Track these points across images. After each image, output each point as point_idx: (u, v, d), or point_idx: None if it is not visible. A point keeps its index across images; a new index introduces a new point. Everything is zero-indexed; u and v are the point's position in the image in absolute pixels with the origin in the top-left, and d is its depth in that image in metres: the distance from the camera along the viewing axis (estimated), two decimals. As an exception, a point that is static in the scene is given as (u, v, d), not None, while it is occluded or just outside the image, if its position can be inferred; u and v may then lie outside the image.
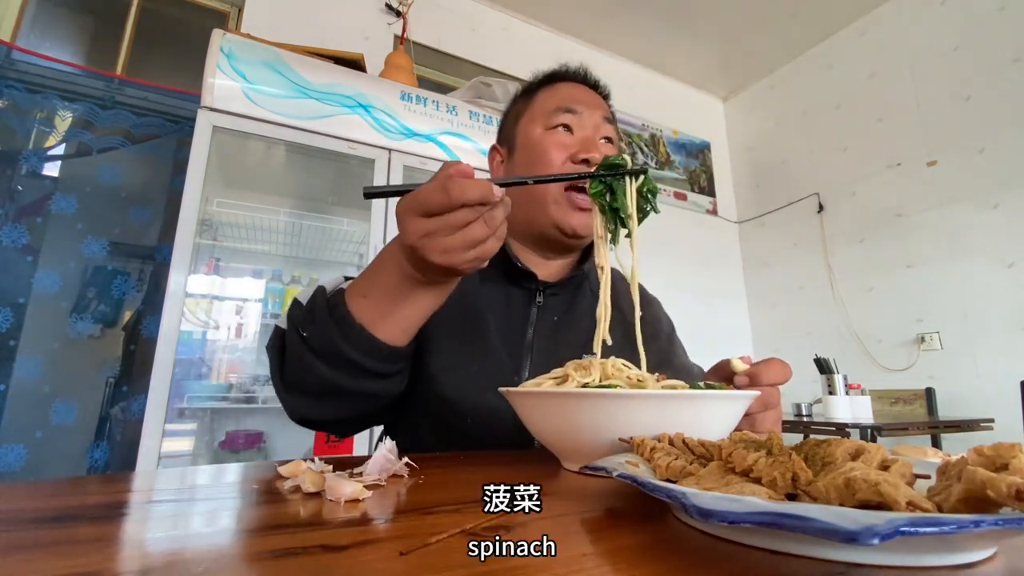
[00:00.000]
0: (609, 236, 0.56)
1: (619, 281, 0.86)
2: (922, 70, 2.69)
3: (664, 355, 0.80)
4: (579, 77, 0.79)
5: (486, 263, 0.47)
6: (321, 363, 0.49)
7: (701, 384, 0.46)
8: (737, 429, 0.41)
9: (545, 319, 0.72)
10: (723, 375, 0.54)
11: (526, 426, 0.46)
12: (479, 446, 0.61)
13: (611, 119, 0.76)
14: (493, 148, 0.81)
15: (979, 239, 2.39)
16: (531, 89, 0.79)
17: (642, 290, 0.87)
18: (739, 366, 0.50)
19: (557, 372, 0.47)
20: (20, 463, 1.52)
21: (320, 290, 0.52)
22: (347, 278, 0.61)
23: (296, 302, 0.54)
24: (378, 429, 0.79)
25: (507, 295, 0.73)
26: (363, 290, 0.50)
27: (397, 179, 1.85)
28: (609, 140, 0.75)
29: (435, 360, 0.65)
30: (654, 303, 0.89)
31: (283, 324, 0.54)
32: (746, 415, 0.49)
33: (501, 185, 0.44)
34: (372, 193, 0.46)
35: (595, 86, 0.80)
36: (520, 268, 0.72)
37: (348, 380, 0.50)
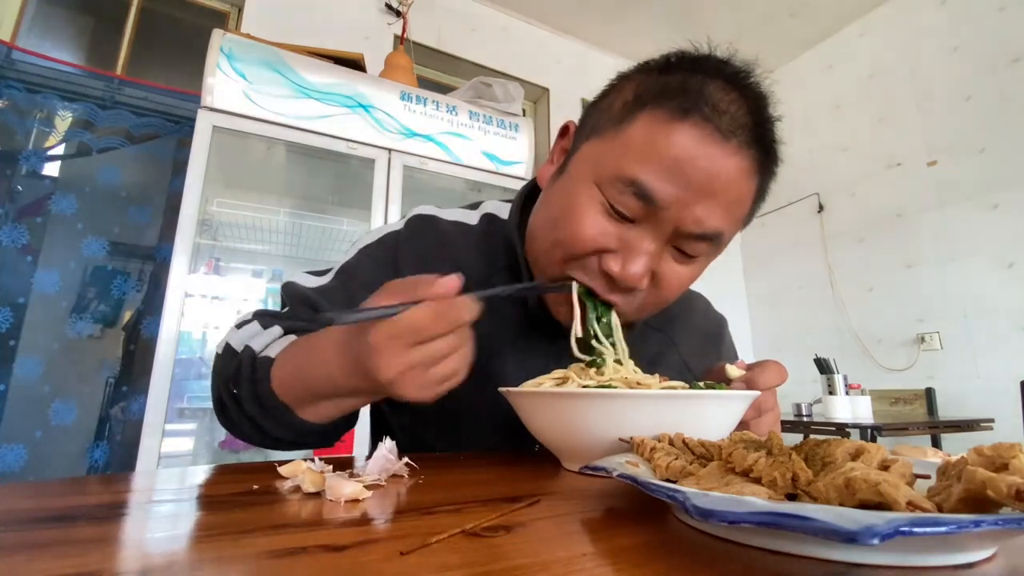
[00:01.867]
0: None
1: (689, 301, 0.73)
2: (922, 70, 2.69)
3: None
4: (726, 125, 0.44)
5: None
6: (248, 423, 0.49)
7: (701, 384, 0.46)
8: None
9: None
10: (718, 380, 0.52)
11: (526, 426, 0.46)
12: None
13: (713, 236, 0.47)
14: (567, 127, 0.57)
15: (979, 239, 2.39)
16: (643, 97, 0.47)
17: (707, 309, 0.78)
18: (734, 372, 0.50)
19: (558, 373, 0.47)
20: (20, 463, 1.52)
21: (247, 353, 0.50)
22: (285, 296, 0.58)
23: (229, 349, 0.52)
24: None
25: (528, 328, 0.60)
26: (290, 379, 0.46)
27: (397, 179, 1.84)
28: (687, 255, 0.49)
29: (424, 422, 0.61)
30: (711, 322, 0.75)
31: (221, 350, 0.53)
32: (742, 422, 0.47)
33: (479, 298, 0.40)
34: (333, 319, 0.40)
35: (753, 143, 0.45)
36: (542, 312, 0.57)
37: (272, 445, 0.51)
